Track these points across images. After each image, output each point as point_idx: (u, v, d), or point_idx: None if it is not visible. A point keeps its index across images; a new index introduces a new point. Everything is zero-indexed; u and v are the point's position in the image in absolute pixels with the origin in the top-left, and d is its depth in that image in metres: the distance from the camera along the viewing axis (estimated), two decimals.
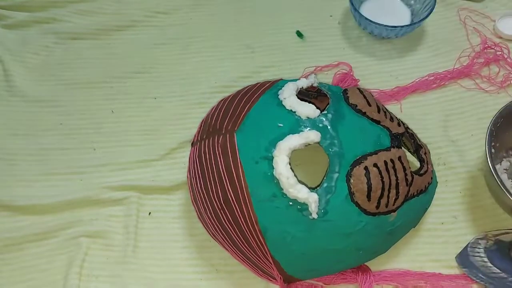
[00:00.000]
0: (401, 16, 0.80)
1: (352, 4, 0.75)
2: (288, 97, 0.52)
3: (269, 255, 0.52)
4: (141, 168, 0.69)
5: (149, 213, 0.66)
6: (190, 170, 0.58)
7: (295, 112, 0.51)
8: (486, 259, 0.57)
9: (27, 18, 0.83)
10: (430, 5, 0.76)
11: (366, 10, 0.79)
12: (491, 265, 0.57)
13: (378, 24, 0.74)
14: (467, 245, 0.59)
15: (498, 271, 0.56)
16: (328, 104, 0.53)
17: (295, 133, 0.49)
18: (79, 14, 0.84)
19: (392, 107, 0.72)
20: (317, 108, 0.52)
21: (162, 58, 0.79)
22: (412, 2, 0.80)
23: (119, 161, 0.70)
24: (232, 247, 0.55)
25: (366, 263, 0.59)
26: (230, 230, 0.52)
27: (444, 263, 0.61)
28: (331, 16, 0.83)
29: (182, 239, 0.64)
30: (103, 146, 0.72)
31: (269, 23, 0.83)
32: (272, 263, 0.52)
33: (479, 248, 0.59)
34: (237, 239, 0.53)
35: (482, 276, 0.56)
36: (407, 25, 0.74)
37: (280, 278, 0.54)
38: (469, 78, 0.75)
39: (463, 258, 0.59)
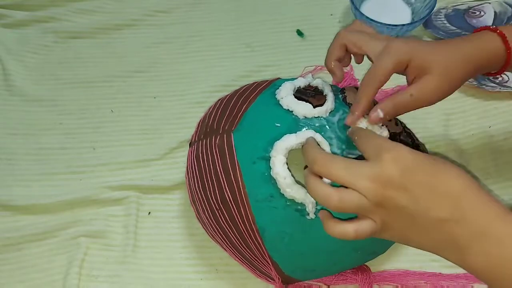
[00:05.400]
0: (402, 15, 0.79)
1: (352, 3, 0.75)
2: (285, 96, 0.52)
3: (267, 255, 0.51)
4: (140, 167, 0.69)
5: (149, 212, 0.66)
6: (188, 171, 0.58)
7: (292, 111, 0.51)
8: (445, 22, 0.78)
9: (26, 17, 0.83)
10: (430, 4, 0.75)
11: (366, 9, 0.79)
12: (449, 25, 0.78)
13: (379, 23, 0.73)
14: (431, 14, 0.76)
15: (455, 28, 0.77)
16: (325, 101, 0.52)
17: (292, 133, 0.48)
18: (79, 13, 0.84)
19: None
20: (315, 106, 0.51)
21: (162, 57, 0.79)
22: (413, 1, 0.80)
23: (118, 160, 0.70)
24: (230, 247, 0.55)
25: (366, 263, 0.59)
26: (228, 230, 0.52)
27: (444, 263, 0.59)
28: (331, 15, 0.83)
29: (182, 239, 0.64)
30: (102, 145, 0.71)
31: (269, 22, 0.82)
32: (270, 263, 0.52)
33: (440, 15, 0.79)
34: (235, 240, 0.52)
35: (443, 33, 0.77)
36: (407, 24, 0.74)
37: (279, 278, 0.54)
38: None
39: (429, 23, 0.79)
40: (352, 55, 0.52)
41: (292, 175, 0.48)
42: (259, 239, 0.50)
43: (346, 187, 0.38)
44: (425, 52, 0.46)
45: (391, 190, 0.37)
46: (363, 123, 0.50)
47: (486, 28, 0.48)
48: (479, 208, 0.36)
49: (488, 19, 0.78)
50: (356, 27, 0.50)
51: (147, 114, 0.74)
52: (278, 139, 0.48)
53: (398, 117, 0.53)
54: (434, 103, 0.47)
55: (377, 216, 0.38)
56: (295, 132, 0.48)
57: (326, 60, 0.51)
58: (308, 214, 0.48)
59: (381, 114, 0.46)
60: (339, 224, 0.39)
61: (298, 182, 0.48)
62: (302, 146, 0.46)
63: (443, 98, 0.47)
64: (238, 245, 0.53)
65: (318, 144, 0.49)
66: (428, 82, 0.46)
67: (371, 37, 0.48)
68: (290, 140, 0.48)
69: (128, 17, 0.83)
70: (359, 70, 0.75)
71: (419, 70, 0.46)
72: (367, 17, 0.74)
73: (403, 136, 0.58)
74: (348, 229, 0.38)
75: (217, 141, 0.52)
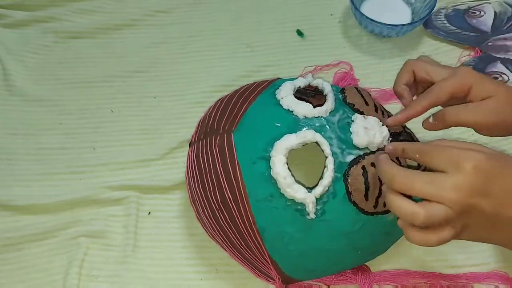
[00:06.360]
0: (402, 15, 0.79)
1: (352, 2, 0.75)
2: (286, 96, 0.52)
3: (267, 255, 0.51)
4: (140, 167, 0.69)
5: (149, 212, 0.66)
6: (188, 171, 0.58)
7: (292, 111, 0.51)
8: (445, 22, 0.79)
9: (26, 17, 0.83)
10: (430, 3, 0.75)
11: (366, 9, 0.79)
12: (449, 25, 0.78)
13: (379, 22, 0.73)
14: (431, 14, 0.77)
15: (455, 28, 0.78)
16: (325, 101, 0.53)
17: (293, 133, 0.49)
18: (79, 13, 0.84)
19: (393, 106, 0.72)
20: (315, 106, 0.51)
21: (162, 57, 0.79)
22: (413, 1, 0.80)
23: (118, 160, 0.70)
24: (230, 247, 0.55)
25: (366, 263, 0.59)
26: (228, 230, 0.52)
27: (444, 263, 0.61)
28: (331, 15, 0.83)
29: (182, 239, 0.64)
30: (102, 145, 0.71)
31: (269, 22, 0.82)
32: (270, 263, 0.52)
33: (440, 15, 0.80)
34: (235, 240, 0.52)
35: (443, 33, 0.78)
36: (407, 24, 0.74)
37: (279, 278, 0.54)
38: None
39: (429, 23, 0.79)
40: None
41: (292, 175, 0.48)
42: (259, 239, 0.50)
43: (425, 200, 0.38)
44: (490, 81, 0.48)
45: (475, 198, 0.37)
46: (361, 122, 0.50)
47: None
48: None
49: (488, 19, 0.78)
50: (424, 58, 0.52)
51: (147, 114, 0.74)
52: (278, 139, 0.48)
53: None
54: (489, 127, 0.47)
55: (458, 224, 0.39)
56: (295, 132, 0.49)
57: (395, 83, 0.52)
58: (308, 214, 0.48)
59: (430, 119, 0.49)
60: (422, 234, 0.39)
61: (298, 182, 0.48)
62: (373, 163, 0.47)
63: (496, 126, 0.47)
64: (238, 245, 0.53)
65: (318, 144, 0.49)
66: (489, 101, 0.47)
67: (439, 65, 0.51)
68: (290, 140, 0.48)
69: (128, 17, 0.83)
70: (359, 70, 0.76)
71: (482, 95, 0.47)
72: (367, 17, 0.74)
73: (403, 136, 0.58)
74: (432, 239, 0.39)
75: (217, 141, 0.52)
